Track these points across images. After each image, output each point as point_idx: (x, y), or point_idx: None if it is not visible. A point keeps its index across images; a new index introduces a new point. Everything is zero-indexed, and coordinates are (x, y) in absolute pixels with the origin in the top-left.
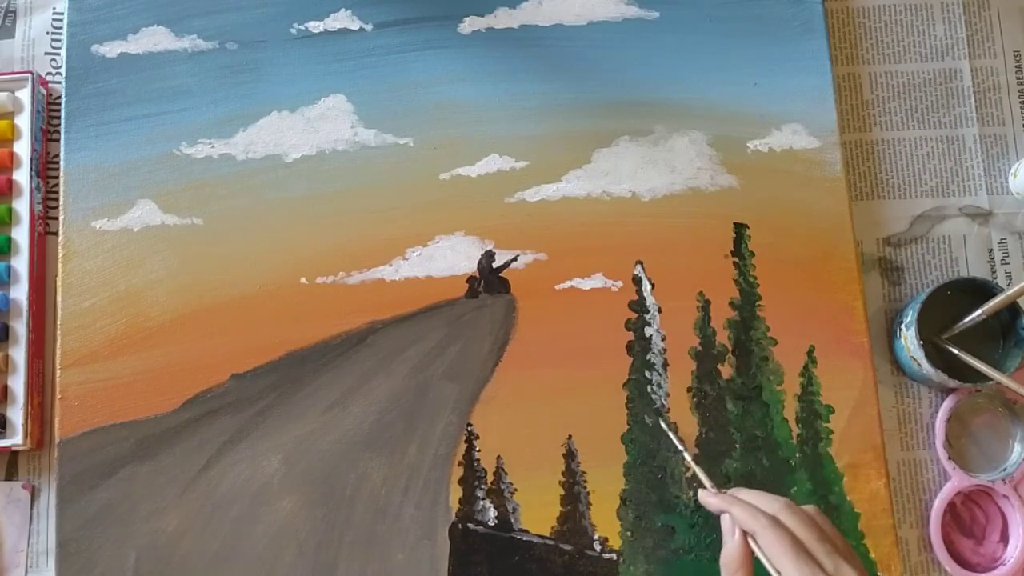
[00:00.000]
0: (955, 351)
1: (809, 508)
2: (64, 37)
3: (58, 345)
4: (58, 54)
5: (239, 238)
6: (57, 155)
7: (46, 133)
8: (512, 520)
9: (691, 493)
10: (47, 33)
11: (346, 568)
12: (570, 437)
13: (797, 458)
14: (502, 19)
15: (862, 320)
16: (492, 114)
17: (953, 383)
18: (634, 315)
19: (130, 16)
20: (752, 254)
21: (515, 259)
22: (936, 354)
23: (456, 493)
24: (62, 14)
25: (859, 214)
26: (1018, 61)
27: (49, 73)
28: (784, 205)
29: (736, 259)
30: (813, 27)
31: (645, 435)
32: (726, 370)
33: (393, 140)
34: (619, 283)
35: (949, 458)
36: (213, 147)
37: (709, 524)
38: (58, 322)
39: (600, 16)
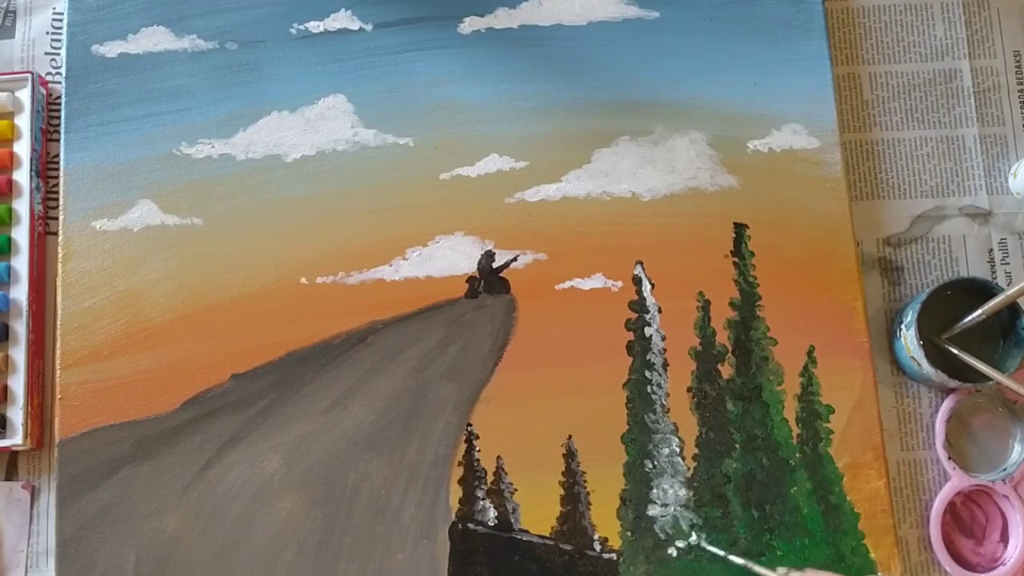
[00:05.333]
0: (955, 351)
1: None
2: (64, 37)
3: (58, 345)
4: (58, 54)
5: (239, 238)
6: (57, 155)
7: (46, 133)
8: (512, 520)
9: (691, 493)
10: (47, 33)
11: (346, 568)
12: (570, 437)
13: (797, 458)
14: (502, 19)
15: (862, 320)
16: (492, 114)
17: (953, 383)
18: (634, 315)
19: (130, 16)
20: (752, 254)
21: (515, 259)
22: (936, 354)
23: (456, 493)
24: (62, 14)
25: (859, 214)
26: (1018, 61)
27: (49, 73)
28: (784, 205)
29: (736, 259)
30: (813, 27)
31: (645, 435)
32: (726, 370)
33: (393, 140)
34: (619, 283)
35: (949, 458)
36: (213, 147)
37: (708, 524)
38: (58, 322)
39: (600, 16)
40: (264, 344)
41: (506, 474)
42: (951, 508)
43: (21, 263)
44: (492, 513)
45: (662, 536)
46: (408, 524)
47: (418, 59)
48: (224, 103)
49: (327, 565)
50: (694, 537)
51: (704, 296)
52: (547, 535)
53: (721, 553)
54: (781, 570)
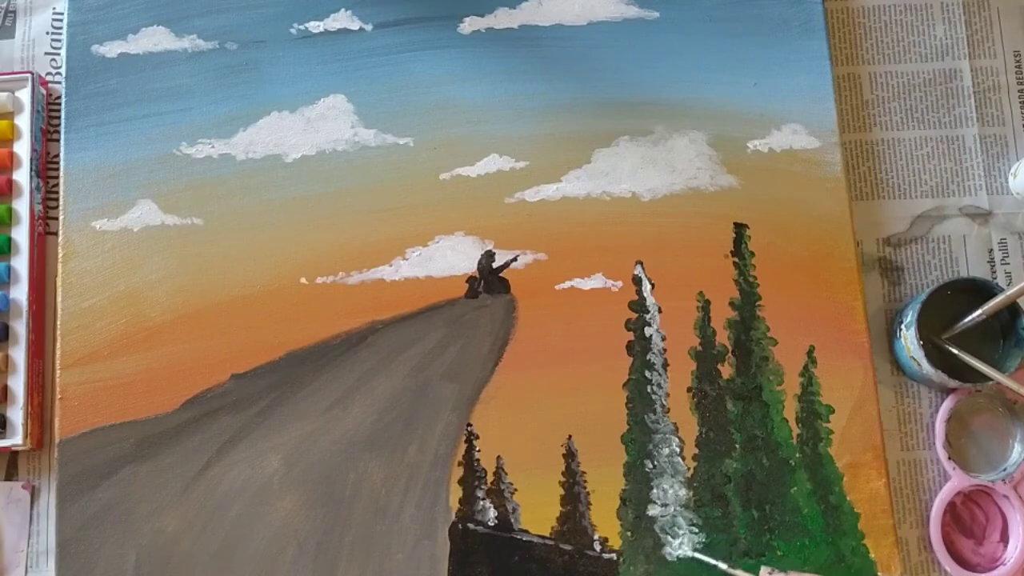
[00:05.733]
0: (955, 351)
1: None
2: (64, 37)
3: (58, 345)
4: (58, 54)
5: (239, 238)
6: (57, 155)
7: (46, 133)
8: (512, 520)
9: (691, 493)
10: (47, 33)
11: (346, 568)
12: (570, 437)
13: (797, 458)
14: (502, 19)
15: (862, 320)
16: (492, 114)
17: (953, 383)
18: (634, 315)
19: (130, 16)
20: (752, 254)
21: (515, 259)
22: (936, 354)
23: (456, 493)
24: (62, 14)
25: (859, 214)
26: (1018, 61)
27: (49, 73)
28: (784, 205)
29: (736, 259)
30: (813, 27)
31: (645, 435)
32: (726, 370)
33: (393, 140)
34: (619, 283)
35: (949, 458)
36: (213, 147)
37: (708, 524)
38: (58, 322)
39: (600, 16)
40: (264, 344)
41: (506, 474)
42: (951, 508)
43: (21, 263)
44: (492, 513)
45: (662, 536)
46: (408, 524)
47: (418, 59)
48: (224, 103)
49: (327, 565)
50: (685, 547)
51: (704, 296)
52: (547, 535)
53: (711, 562)
54: (765, 570)
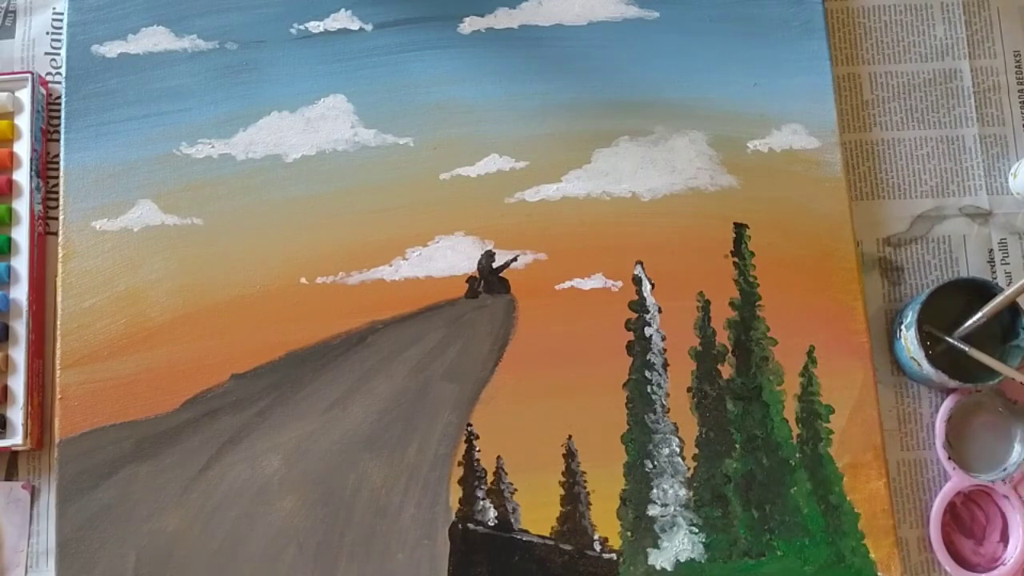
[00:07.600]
0: (964, 347)
1: None
2: (64, 37)
3: (58, 345)
4: (58, 54)
5: (239, 238)
6: (57, 155)
7: (46, 133)
8: (512, 520)
9: (691, 493)
10: (47, 33)
11: (346, 568)
12: (570, 437)
13: (797, 458)
14: (502, 19)
15: (862, 320)
16: (492, 114)
17: (953, 383)
18: (634, 315)
19: (130, 16)
20: (752, 254)
21: (515, 259)
22: (937, 349)
23: (456, 493)
24: (62, 14)
25: (859, 214)
26: (1018, 61)
27: (49, 73)
28: (784, 205)
29: (736, 259)
30: (813, 27)
31: (645, 435)
32: (726, 370)
33: (393, 140)
34: (619, 283)
35: (949, 458)
36: (213, 147)
37: (708, 524)
38: (58, 322)
39: (600, 16)
40: (264, 344)
41: (506, 474)
42: (951, 508)
43: (21, 263)
44: (492, 513)
45: (662, 536)
46: (408, 524)
47: (418, 59)
48: (224, 103)
49: (327, 565)
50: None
51: (704, 296)
52: (547, 535)
53: None
54: None
